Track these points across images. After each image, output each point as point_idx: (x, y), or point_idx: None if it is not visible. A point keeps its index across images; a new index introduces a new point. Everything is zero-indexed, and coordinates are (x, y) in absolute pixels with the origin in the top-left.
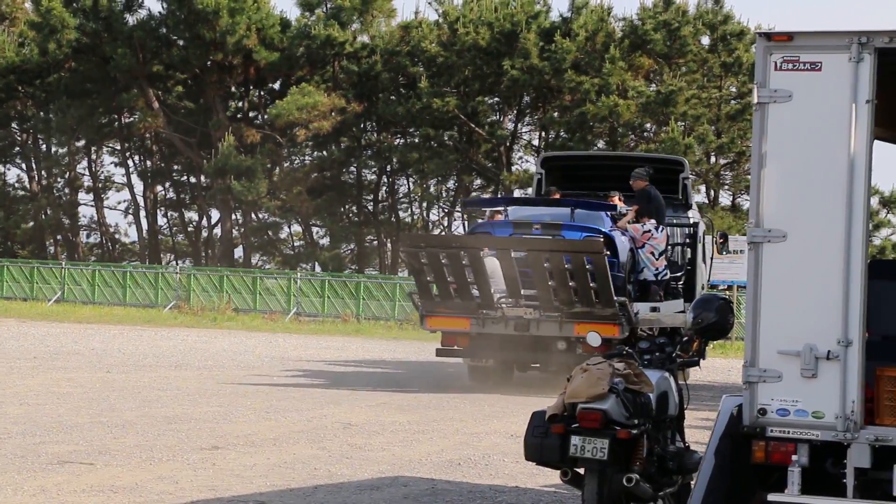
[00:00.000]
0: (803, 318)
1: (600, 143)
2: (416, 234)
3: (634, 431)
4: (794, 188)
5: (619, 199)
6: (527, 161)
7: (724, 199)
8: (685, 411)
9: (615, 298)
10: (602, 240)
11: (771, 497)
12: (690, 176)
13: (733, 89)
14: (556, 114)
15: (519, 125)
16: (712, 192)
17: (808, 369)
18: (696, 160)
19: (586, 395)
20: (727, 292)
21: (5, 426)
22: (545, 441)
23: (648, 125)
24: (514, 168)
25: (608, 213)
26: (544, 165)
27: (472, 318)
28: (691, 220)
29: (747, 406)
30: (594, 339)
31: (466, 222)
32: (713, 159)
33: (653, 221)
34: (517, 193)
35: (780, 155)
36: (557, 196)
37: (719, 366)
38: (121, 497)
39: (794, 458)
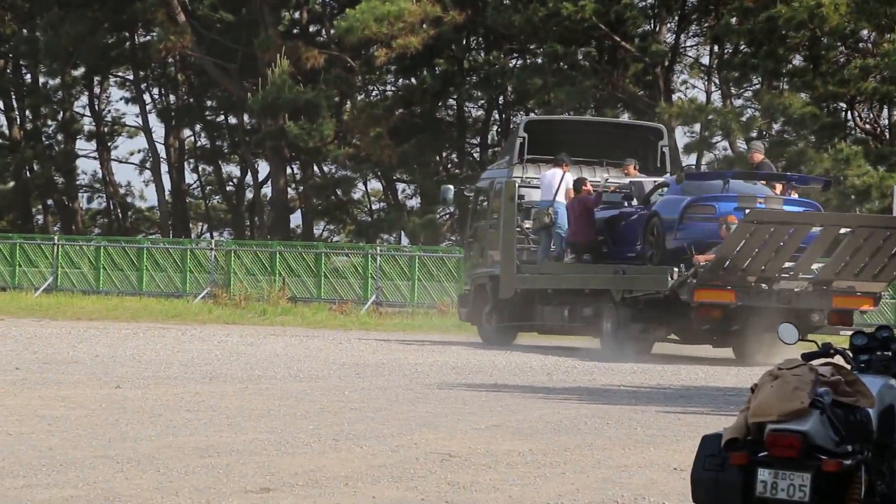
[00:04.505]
0: None
1: (797, 59)
2: (767, 210)
3: (847, 462)
4: None
5: (635, 168)
6: (693, 87)
7: None
8: None
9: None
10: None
11: None
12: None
13: None
14: (733, 20)
15: (682, 37)
16: None
17: None
18: None
19: (778, 411)
20: None
21: None
22: (721, 476)
23: (865, 32)
24: (675, 97)
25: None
26: (528, 129)
27: (738, 291)
28: None
29: None
30: (789, 334)
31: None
32: None
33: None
34: (679, 131)
35: None
36: (566, 166)
37: None
38: None
39: None
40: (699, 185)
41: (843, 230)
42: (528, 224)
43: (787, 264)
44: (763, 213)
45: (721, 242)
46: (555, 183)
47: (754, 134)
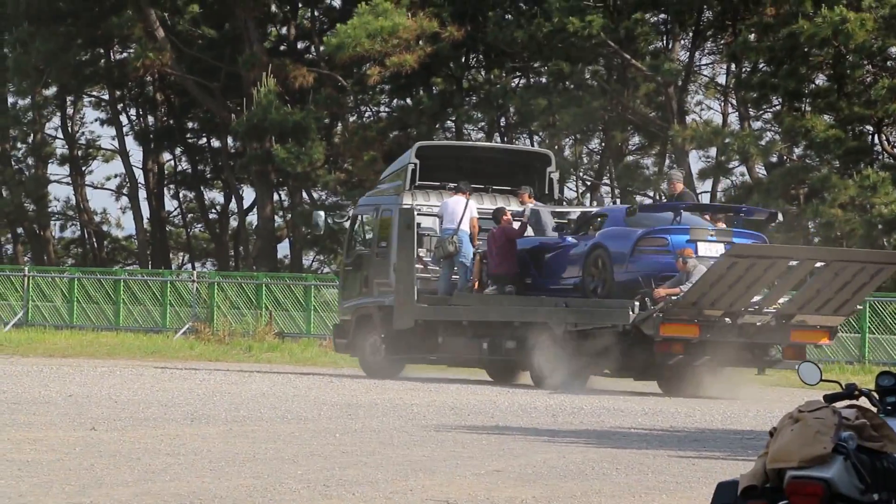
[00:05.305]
0: None
1: (820, 79)
2: (747, 244)
3: None
4: None
5: (530, 197)
6: (708, 108)
7: None
8: None
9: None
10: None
11: None
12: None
13: None
14: (751, 36)
15: (696, 55)
16: None
17: None
18: None
19: (799, 457)
20: None
21: None
22: None
23: (893, 50)
24: (689, 119)
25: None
26: (419, 155)
27: (702, 325)
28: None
29: None
30: (810, 374)
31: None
32: None
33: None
34: (693, 156)
35: None
36: (468, 194)
37: None
38: None
39: None
40: (646, 218)
41: (818, 264)
42: (422, 252)
43: (753, 298)
44: (744, 248)
45: (677, 275)
46: (458, 210)
47: (774, 159)
